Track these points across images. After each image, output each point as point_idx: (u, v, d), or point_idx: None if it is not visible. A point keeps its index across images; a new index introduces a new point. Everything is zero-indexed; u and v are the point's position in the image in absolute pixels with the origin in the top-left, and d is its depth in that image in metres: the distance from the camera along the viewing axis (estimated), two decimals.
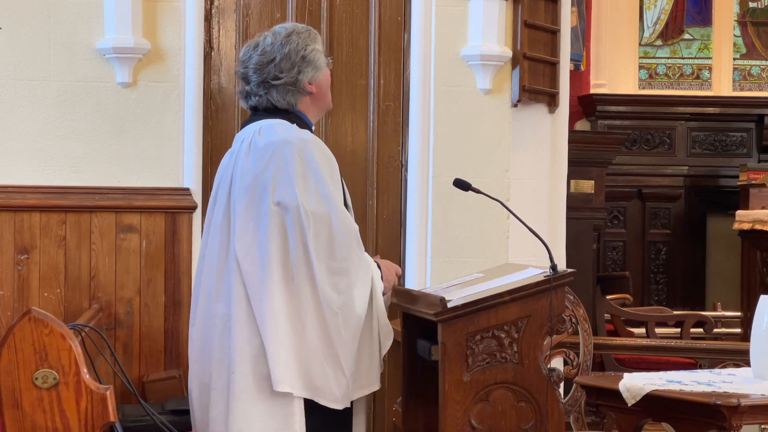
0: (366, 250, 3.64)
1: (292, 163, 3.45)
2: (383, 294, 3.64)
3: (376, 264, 3.63)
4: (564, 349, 4.84)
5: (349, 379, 3.46)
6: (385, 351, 3.58)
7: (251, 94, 3.62)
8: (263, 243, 3.43)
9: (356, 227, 3.53)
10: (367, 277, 3.51)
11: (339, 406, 3.47)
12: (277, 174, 3.45)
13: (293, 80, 3.57)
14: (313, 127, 3.71)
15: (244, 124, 3.68)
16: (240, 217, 3.49)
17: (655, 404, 3.60)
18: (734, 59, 9.94)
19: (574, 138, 6.26)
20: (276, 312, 3.41)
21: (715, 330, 7.12)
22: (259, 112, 3.62)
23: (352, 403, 3.58)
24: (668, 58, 9.95)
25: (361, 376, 3.51)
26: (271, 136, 3.51)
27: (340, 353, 3.43)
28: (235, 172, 3.55)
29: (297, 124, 3.58)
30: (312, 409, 3.46)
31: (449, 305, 3.51)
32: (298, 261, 3.42)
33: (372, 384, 3.56)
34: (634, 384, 3.65)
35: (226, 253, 3.51)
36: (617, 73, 9.78)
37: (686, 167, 9.77)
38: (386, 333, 3.58)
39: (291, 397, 3.43)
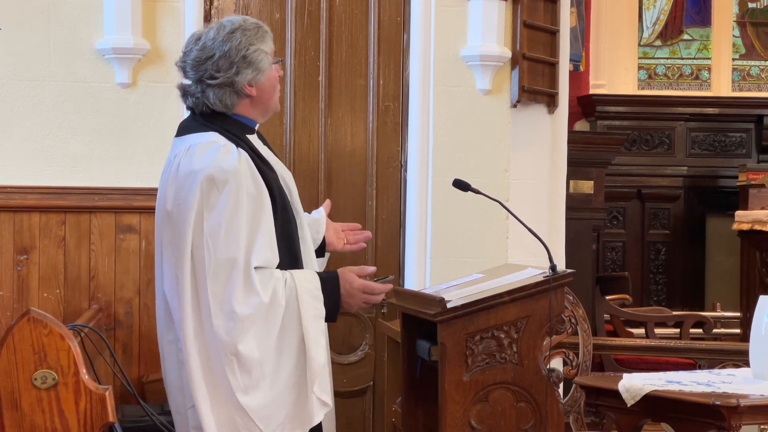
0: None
1: (206, 199, 3.27)
2: (349, 310, 3.45)
3: (328, 282, 3.37)
4: (563, 350, 4.84)
5: (262, 425, 3.27)
6: (315, 385, 3.30)
7: (188, 93, 3.43)
8: (180, 280, 3.30)
9: (274, 259, 3.30)
10: (272, 317, 3.27)
11: None
12: (192, 209, 3.29)
13: (230, 81, 3.35)
14: (256, 126, 3.51)
15: (180, 127, 3.51)
16: (167, 247, 3.37)
17: (655, 404, 3.60)
18: (733, 60, 9.95)
19: (574, 138, 6.26)
20: (192, 356, 3.28)
21: (715, 330, 7.13)
22: (196, 116, 3.45)
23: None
24: (667, 58, 9.96)
25: (289, 418, 3.30)
26: (191, 164, 3.33)
27: (239, 399, 3.25)
28: (164, 190, 3.43)
29: (232, 131, 3.39)
30: None
31: (449, 305, 3.51)
32: (202, 303, 3.28)
33: (304, 424, 3.32)
34: (634, 384, 3.65)
35: (161, 277, 3.41)
36: (616, 74, 9.79)
37: (685, 168, 9.77)
38: (318, 367, 3.30)
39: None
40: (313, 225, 3.67)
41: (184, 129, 3.48)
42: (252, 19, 3.47)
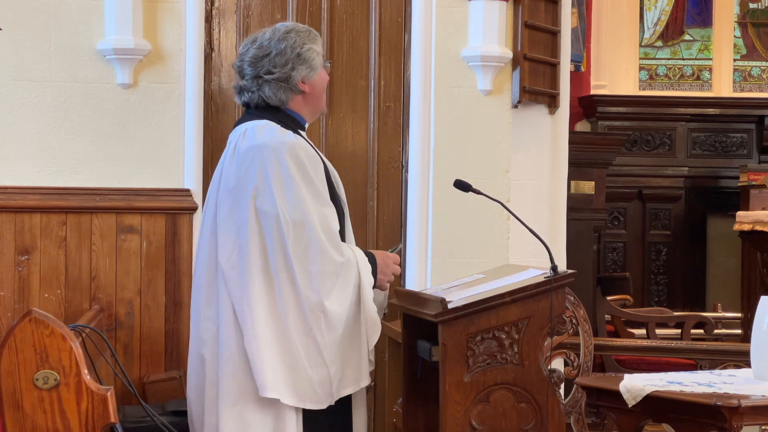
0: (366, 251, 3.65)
1: (271, 168, 3.46)
2: (381, 287, 3.65)
3: (369, 257, 3.61)
4: (564, 350, 4.84)
5: (333, 379, 3.46)
6: (372, 345, 3.57)
7: (244, 89, 3.64)
8: (244, 249, 3.46)
9: (336, 227, 3.53)
10: (349, 277, 3.50)
11: (322, 406, 3.47)
12: (256, 180, 3.47)
13: (286, 76, 3.58)
14: (307, 125, 3.71)
15: (236, 124, 3.70)
16: (223, 221, 3.53)
17: (656, 405, 3.60)
18: (734, 60, 9.95)
19: (575, 139, 6.26)
20: (258, 318, 3.43)
21: (716, 331, 7.12)
22: (251, 109, 3.65)
23: (351, 401, 3.59)
24: (668, 59, 9.96)
25: (348, 374, 3.51)
26: (253, 140, 3.53)
27: (325, 356, 3.43)
28: (222, 174, 3.59)
29: (287, 123, 3.59)
30: (311, 411, 3.46)
31: (450, 306, 3.51)
32: (278, 267, 3.44)
33: (360, 380, 3.55)
34: (635, 385, 3.65)
35: (214, 256, 3.54)
36: (617, 74, 9.79)
37: (686, 168, 9.77)
38: (373, 327, 3.56)
39: (280, 402, 3.44)
40: None
41: (238, 122, 3.68)
42: (303, 24, 3.72)
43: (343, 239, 3.61)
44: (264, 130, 3.54)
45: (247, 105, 3.66)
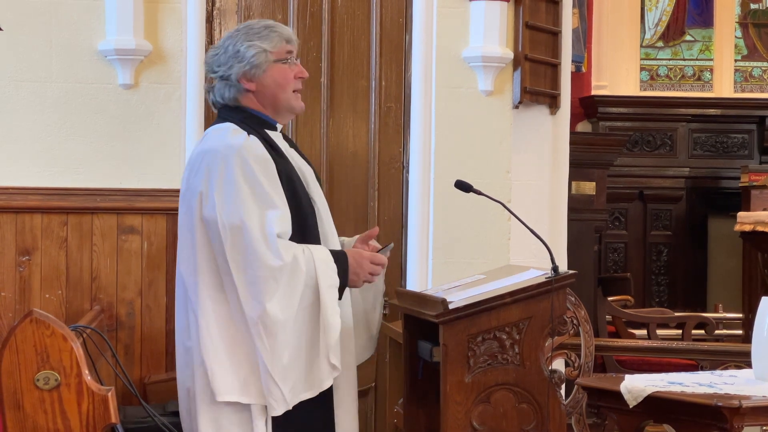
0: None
1: (213, 173, 3.44)
2: (354, 287, 3.58)
3: (337, 256, 3.51)
4: (565, 351, 4.84)
5: (281, 385, 3.40)
6: (330, 349, 3.45)
7: (207, 90, 3.69)
8: (195, 254, 3.47)
9: (280, 229, 3.43)
10: (295, 280, 3.41)
11: (277, 412, 3.42)
12: (201, 185, 3.47)
13: (226, 75, 3.57)
14: (279, 125, 3.65)
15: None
16: (180, 228, 3.56)
17: (657, 406, 3.60)
18: (735, 61, 9.96)
19: (576, 139, 6.26)
20: (209, 322, 3.44)
21: (717, 331, 7.12)
22: (219, 110, 3.66)
23: (333, 405, 3.56)
24: (669, 59, 9.96)
25: (301, 380, 3.44)
26: (203, 144, 3.56)
27: (266, 361, 3.38)
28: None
29: (249, 124, 3.56)
30: (286, 413, 3.44)
31: (450, 306, 3.51)
32: (222, 273, 3.44)
33: (315, 386, 3.46)
34: (636, 385, 3.65)
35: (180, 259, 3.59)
36: (618, 75, 9.80)
37: (687, 169, 9.77)
38: (331, 331, 3.44)
39: (247, 405, 3.44)
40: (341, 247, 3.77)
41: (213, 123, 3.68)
42: (268, 22, 3.66)
43: (314, 239, 3.56)
44: (216, 133, 3.54)
45: (213, 105, 3.68)
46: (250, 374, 3.42)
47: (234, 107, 3.60)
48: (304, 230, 3.55)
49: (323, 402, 3.53)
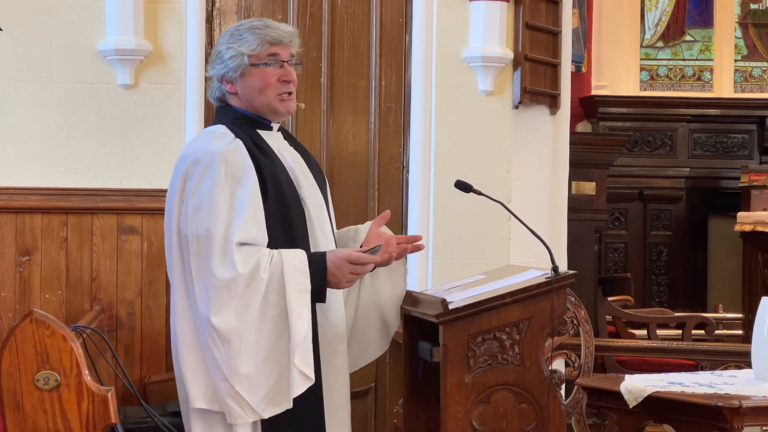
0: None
1: (189, 179, 3.44)
2: (336, 288, 3.50)
3: (313, 260, 3.44)
4: (565, 351, 4.84)
5: (246, 395, 3.35)
6: (302, 358, 3.36)
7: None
8: (171, 261, 3.50)
9: (245, 236, 3.37)
10: (253, 289, 3.35)
11: (242, 421, 3.37)
12: (178, 189, 3.47)
13: (216, 75, 3.59)
14: (273, 125, 3.60)
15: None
16: (165, 228, 3.56)
17: (657, 406, 3.60)
18: (735, 61, 9.95)
19: (576, 139, 6.27)
20: (181, 330, 3.44)
21: (717, 332, 7.12)
22: (217, 108, 3.68)
23: (323, 409, 3.51)
24: (669, 59, 9.96)
25: (273, 392, 3.37)
26: (187, 149, 3.57)
27: (224, 370, 3.34)
28: None
29: (238, 124, 3.54)
30: (273, 420, 3.41)
31: (451, 307, 3.51)
32: (187, 279, 3.43)
33: (282, 402, 3.38)
34: (636, 386, 3.65)
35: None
36: (618, 75, 9.79)
37: (687, 169, 9.77)
38: (300, 340, 3.36)
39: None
40: (353, 234, 3.72)
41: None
42: (252, 22, 3.61)
43: (302, 241, 3.50)
44: (201, 137, 3.55)
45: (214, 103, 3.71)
46: (210, 387, 3.39)
47: (227, 106, 3.60)
48: (291, 233, 3.49)
49: (314, 406, 3.48)
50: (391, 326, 3.77)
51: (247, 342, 3.35)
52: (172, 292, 3.49)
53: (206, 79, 3.75)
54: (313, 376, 3.39)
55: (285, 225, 3.48)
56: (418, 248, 3.69)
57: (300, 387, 3.38)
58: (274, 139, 3.60)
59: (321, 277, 3.44)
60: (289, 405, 3.38)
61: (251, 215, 3.40)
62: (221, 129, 3.52)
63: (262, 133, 3.57)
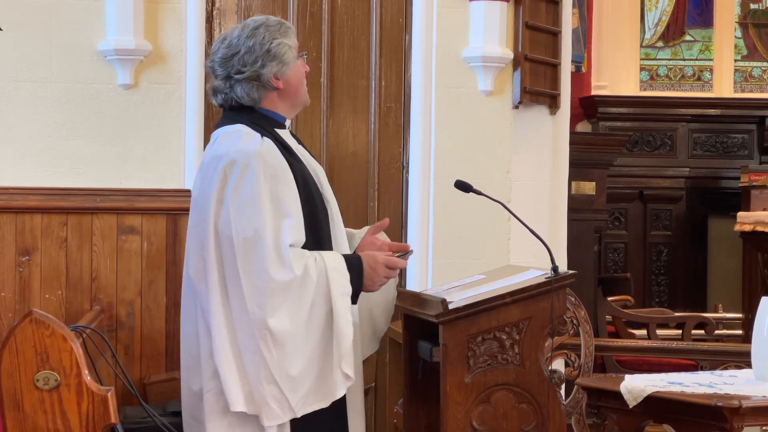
0: None
1: (229, 181, 3.38)
2: (371, 291, 3.55)
3: (350, 263, 3.48)
4: (565, 351, 4.84)
5: (290, 396, 3.37)
6: (344, 360, 3.41)
7: (217, 91, 3.54)
8: (207, 262, 3.40)
9: (293, 238, 3.39)
10: (305, 292, 3.37)
11: (280, 421, 3.39)
12: (215, 192, 3.39)
13: (256, 74, 3.47)
14: (287, 122, 3.60)
15: (215, 126, 3.61)
16: (189, 233, 3.49)
17: (657, 406, 3.60)
18: (735, 61, 9.95)
19: (575, 139, 6.26)
20: (221, 332, 3.38)
21: (717, 332, 7.12)
22: (226, 111, 3.56)
23: (346, 407, 3.54)
24: (669, 59, 9.96)
25: (311, 390, 3.40)
26: (217, 149, 3.46)
27: (273, 372, 3.34)
28: (194, 181, 3.55)
29: (261, 125, 3.49)
30: (301, 420, 3.43)
31: (450, 307, 3.51)
32: (231, 282, 3.37)
33: (327, 397, 3.43)
34: (636, 385, 3.65)
35: (187, 263, 3.52)
36: (618, 75, 9.79)
37: (687, 169, 9.77)
38: (344, 340, 3.40)
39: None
40: (348, 238, 3.73)
41: (216, 126, 3.60)
42: (275, 17, 3.58)
43: (327, 241, 3.52)
44: (229, 138, 3.46)
45: (222, 106, 3.57)
46: (251, 389, 3.37)
47: (244, 107, 3.51)
48: (318, 234, 3.51)
49: (337, 404, 3.50)
50: (380, 331, 3.80)
51: (298, 344, 3.37)
52: (205, 293, 3.40)
53: (227, 79, 3.50)
54: (354, 376, 3.45)
55: (313, 225, 3.50)
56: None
57: (342, 389, 3.44)
58: (287, 137, 3.59)
59: (358, 280, 3.48)
60: (326, 404, 3.42)
61: (295, 217, 3.41)
62: (244, 128, 3.47)
63: (279, 132, 3.56)
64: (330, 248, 3.53)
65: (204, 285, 3.41)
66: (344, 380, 3.43)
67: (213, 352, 3.39)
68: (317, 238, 3.50)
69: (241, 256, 3.34)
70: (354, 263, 3.49)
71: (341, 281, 3.43)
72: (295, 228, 3.41)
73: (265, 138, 3.46)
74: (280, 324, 3.33)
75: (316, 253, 3.44)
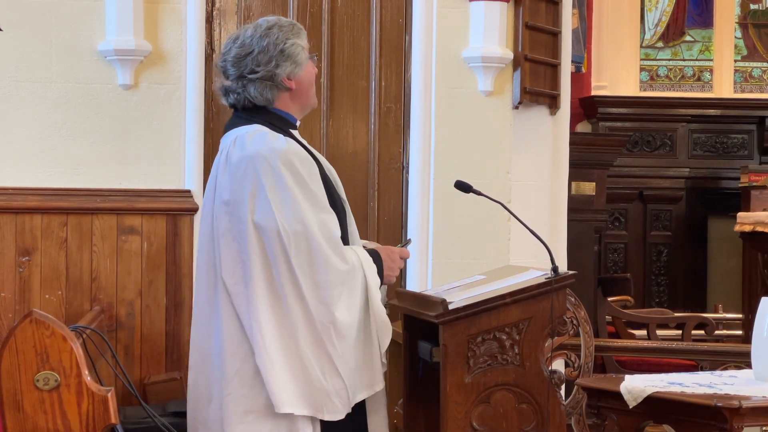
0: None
1: (265, 180, 3.37)
2: (387, 283, 3.61)
3: (374, 256, 3.54)
4: (565, 351, 4.84)
5: (349, 388, 3.41)
6: (384, 347, 3.52)
7: (229, 90, 3.52)
8: (247, 263, 3.37)
9: (337, 232, 3.44)
10: (356, 283, 3.43)
11: (341, 416, 3.42)
12: (251, 192, 3.38)
13: (270, 74, 3.47)
14: (298, 123, 3.60)
15: (226, 128, 3.60)
16: (223, 236, 3.44)
17: (657, 406, 3.60)
18: (735, 61, 9.95)
19: (575, 140, 6.26)
20: (267, 333, 3.35)
21: (717, 332, 7.12)
22: (238, 111, 3.55)
23: (365, 405, 3.56)
24: (669, 59, 9.96)
25: (362, 380, 3.46)
26: (244, 149, 3.43)
27: (338, 366, 3.38)
28: (216, 184, 3.51)
29: (277, 125, 3.50)
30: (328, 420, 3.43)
31: (450, 307, 3.51)
32: (283, 279, 3.36)
33: (374, 384, 3.50)
34: (636, 386, 3.65)
35: (213, 269, 3.46)
36: (618, 75, 9.79)
37: (687, 169, 9.77)
38: (384, 330, 3.50)
39: (293, 415, 3.38)
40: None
41: (228, 126, 3.59)
42: (286, 18, 3.61)
43: (346, 239, 3.55)
44: (254, 137, 3.44)
45: (234, 106, 3.56)
46: (310, 388, 3.37)
47: (258, 107, 3.51)
48: (344, 231, 3.55)
49: (359, 407, 3.52)
50: None
51: (355, 335, 3.42)
52: (245, 295, 3.37)
53: (240, 78, 3.48)
54: (386, 363, 3.56)
55: (339, 222, 3.54)
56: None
57: (382, 380, 3.52)
58: (300, 138, 3.61)
59: (381, 273, 3.55)
60: (372, 392, 3.50)
61: (331, 212, 3.47)
62: (264, 128, 3.48)
63: (293, 132, 3.57)
64: (349, 245, 3.57)
65: (242, 287, 3.38)
66: (382, 368, 3.52)
67: (257, 354, 3.35)
68: (342, 235, 3.54)
69: (294, 253, 3.35)
70: (375, 257, 3.55)
71: (373, 273, 3.50)
72: (335, 222, 3.47)
73: (288, 138, 3.48)
74: (341, 316, 3.38)
75: (349, 247, 3.51)
